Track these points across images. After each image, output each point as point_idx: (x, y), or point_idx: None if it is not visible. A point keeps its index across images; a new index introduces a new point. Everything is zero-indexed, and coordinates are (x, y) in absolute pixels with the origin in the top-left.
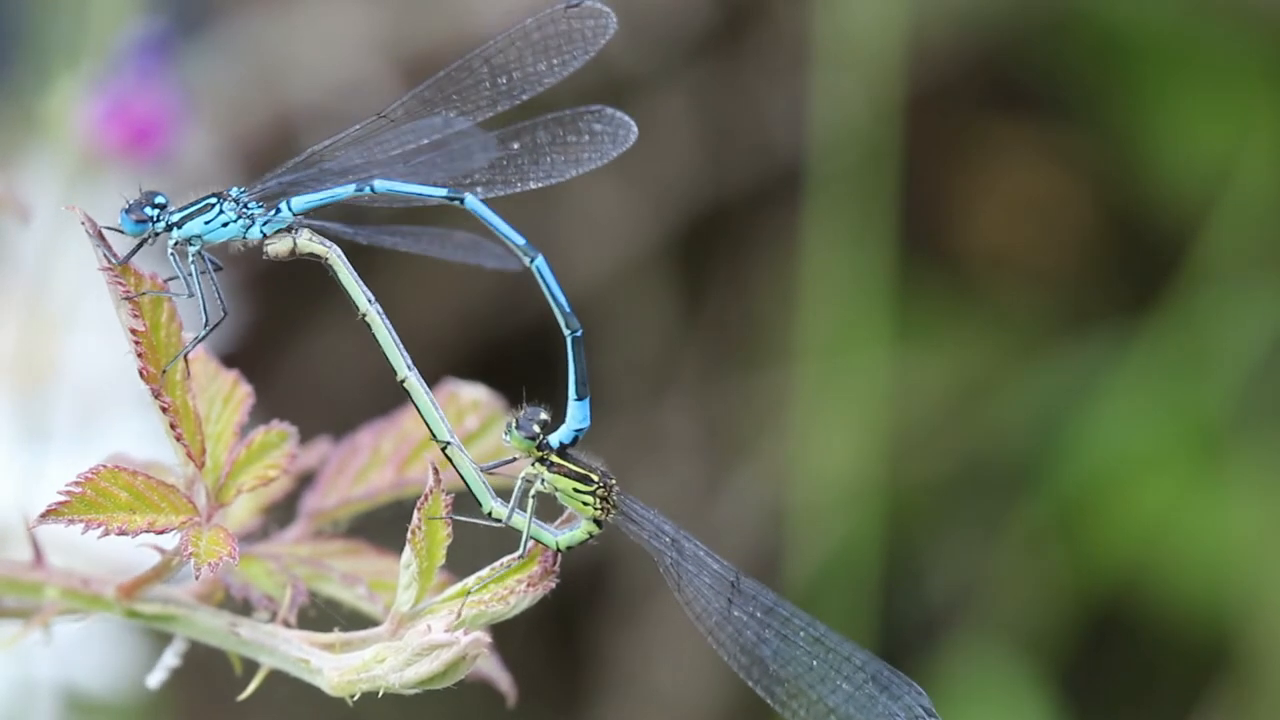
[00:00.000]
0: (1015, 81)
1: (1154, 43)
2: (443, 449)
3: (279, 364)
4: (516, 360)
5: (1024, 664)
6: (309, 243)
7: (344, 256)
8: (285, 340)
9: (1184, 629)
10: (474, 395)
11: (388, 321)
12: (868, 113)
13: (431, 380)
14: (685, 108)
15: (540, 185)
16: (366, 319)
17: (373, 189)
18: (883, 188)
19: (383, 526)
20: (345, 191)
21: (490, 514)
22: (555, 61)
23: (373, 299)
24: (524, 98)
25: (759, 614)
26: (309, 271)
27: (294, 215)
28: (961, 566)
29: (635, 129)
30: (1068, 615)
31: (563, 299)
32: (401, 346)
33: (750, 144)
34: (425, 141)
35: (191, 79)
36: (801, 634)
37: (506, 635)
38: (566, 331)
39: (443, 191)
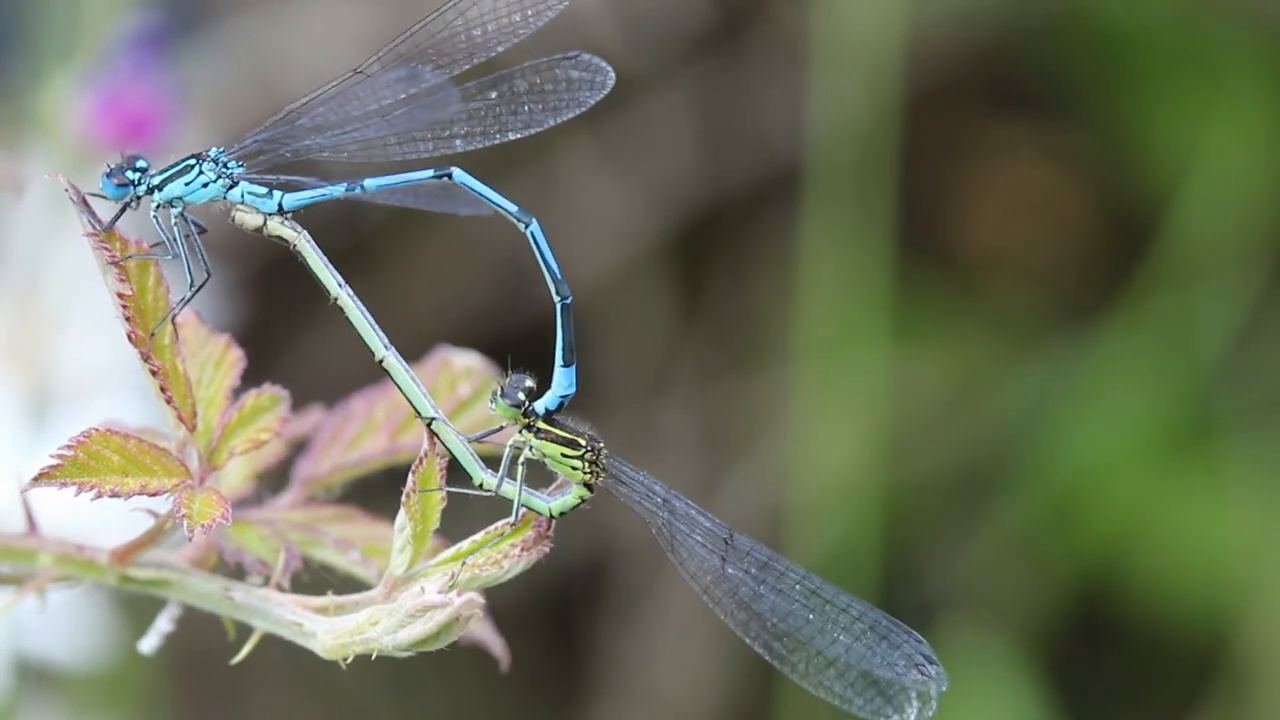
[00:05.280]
0: (1014, 81)
1: (1152, 42)
2: (428, 425)
3: (276, 363)
4: (513, 363)
5: (1020, 659)
6: (279, 226)
7: (313, 241)
8: (282, 339)
9: (1178, 625)
10: (467, 362)
11: (360, 304)
12: (866, 112)
13: (424, 353)
14: (683, 106)
15: (520, 135)
16: (339, 303)
17: (364, 188)
18: (881, 186)
19: (375, 493)
20: (336, 190)
21: (481, 485)
22: (530, 13)
23: (343, 282)
24: (499, 49)
25: (754, 570)
26: (305, 270)
27: (279, 208)
28: (959, 561)
29: (613, 75)
30: (1064, 610)
31: (555, 265)
32: (377, 327)
33: (748, 143)
34: (402, 95)
35: (188, 76)
36: (797, 587)
37: (505, 632)
38: (557, 298)
39: (429, 172)
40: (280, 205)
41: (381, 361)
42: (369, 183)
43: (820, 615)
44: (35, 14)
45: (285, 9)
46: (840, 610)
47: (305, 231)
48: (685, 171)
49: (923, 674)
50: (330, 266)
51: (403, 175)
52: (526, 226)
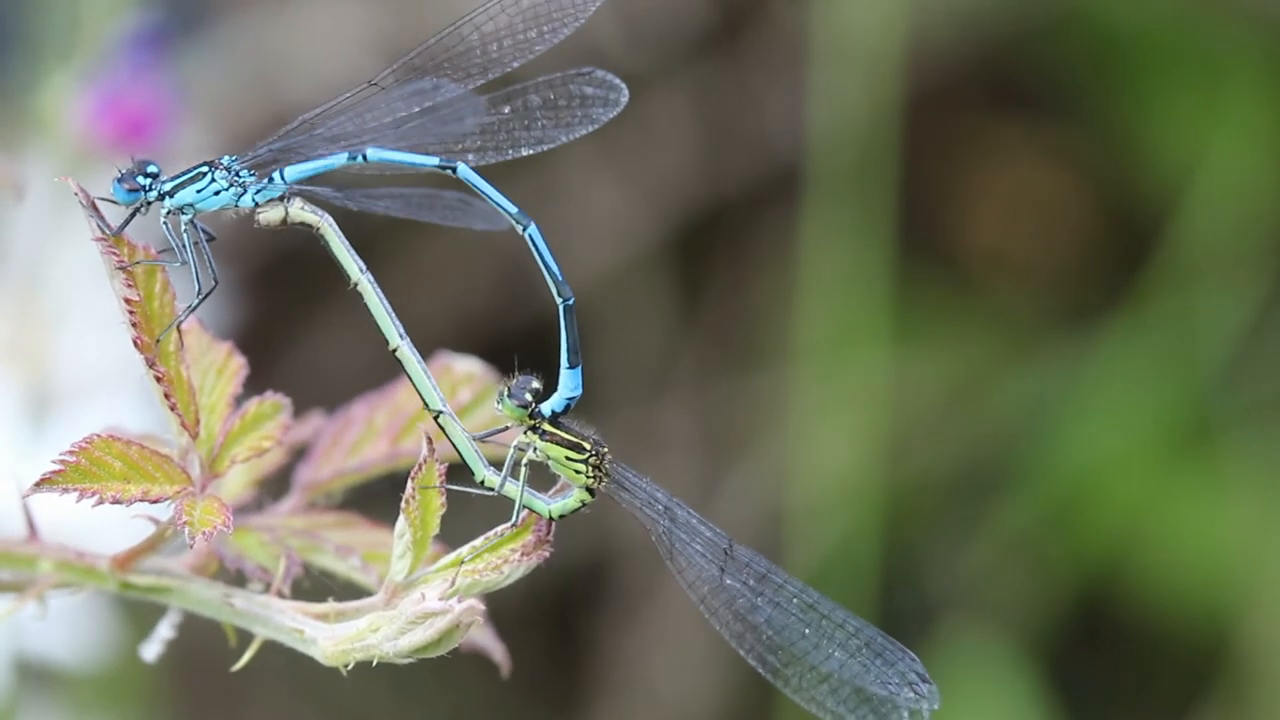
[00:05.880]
0: (1014, 81)
1: (1152, 42)
2: (435, 418)
3: (276, 363)
4: (513, 363)
5: (1020, 659)
6: (300, 211)
7: (335, 225)
8: (282, 339)
9: (1178, 625)
10: (468, 368)
11: (380, 291)
12: (866, 112)
13: (425, 356)
14: (684, 107)
15: (532, 151)
16: (358, 288)
17: (365, 157)
18: (881, 186)
19: (376, 499)
20: (338, 160)
21: (483, 482)
22: (546, 28)
23: (364, 268)
24: (514, 65)
25: (752, 581)
26: (306, 270)
27: (286, 185)
28: (960, 562)
29: (626, 92)
30: (1064, 611)
31: (555, 267)
32: (394, 316)
33: (749, 143)
34: (416, 109)
35: (188, 76)
36: (795, 601)
37: (505, 633)
38: (559, 300)
39: (435, 160)
40: (283, 177)
41: (395, 351)
42: (371, 153)
43: (816, 630)
44: (35, 14)
45: (285, 9)
46: (837, 626)
47: (328, 216)
48: (685, 171)
49: (916, 692)
50: (352, 251)
51: (408, 155)
52: (525, 229)
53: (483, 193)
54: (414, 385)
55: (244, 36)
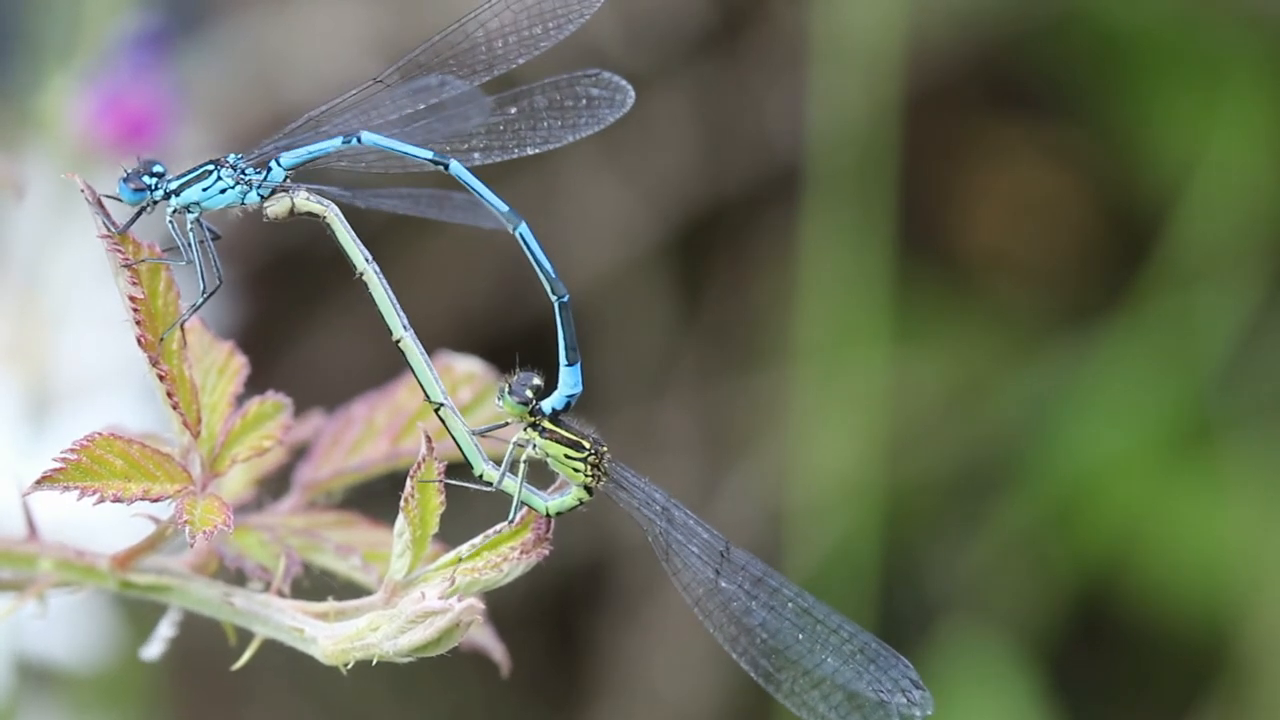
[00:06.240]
0: (1014, 81)
1: (1152, 42)
2: (436, 410)
3: (276, 362)
4: (513, 363)
5: (1020, 659)
6: (306, 202)
7: (341, 215)
8: (281, 339)
9: (1178, 625)
10: (468, 368)
11: (385, 281)
12: (866, 112)
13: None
14: (684, 107)
15: (538, 151)
16: (364, 278)
17: (359, 140)
18: (881, 187)
19: (376, 498)
20: (332, 145)
21: (482, 476)
22: (550, 24)
23: (370, 258)
24: (519, 61)
25: (747, 585)
26: (306, 270)
27: (284, 170)
28: (960, 562)
29: (632, 93)
30: (1064, 611)
31: (547, 264)
32: (398, 306)
33: (749, 143)
34: (422, 106)
35: (188, 77)
36: (789, 605)
37: (505, 633)
38: (553, 297)
39: (428, 153)
40: (280, 164)
41: (398, 342)
42: (365, 136)
43: (810, 635)
44: (35, 14)
45: (285, 9)
46: (831, 631)
47: (334, 205)
48: (686, 171)
49: (908, 699)
50: (358, 241)
51: (400, 144)
52: (515, 227)
53: (474, 190)
54: (416, 377)
55: (244, 36)
